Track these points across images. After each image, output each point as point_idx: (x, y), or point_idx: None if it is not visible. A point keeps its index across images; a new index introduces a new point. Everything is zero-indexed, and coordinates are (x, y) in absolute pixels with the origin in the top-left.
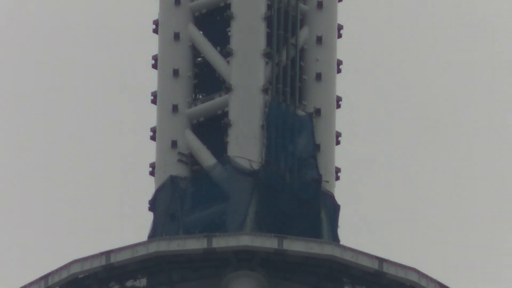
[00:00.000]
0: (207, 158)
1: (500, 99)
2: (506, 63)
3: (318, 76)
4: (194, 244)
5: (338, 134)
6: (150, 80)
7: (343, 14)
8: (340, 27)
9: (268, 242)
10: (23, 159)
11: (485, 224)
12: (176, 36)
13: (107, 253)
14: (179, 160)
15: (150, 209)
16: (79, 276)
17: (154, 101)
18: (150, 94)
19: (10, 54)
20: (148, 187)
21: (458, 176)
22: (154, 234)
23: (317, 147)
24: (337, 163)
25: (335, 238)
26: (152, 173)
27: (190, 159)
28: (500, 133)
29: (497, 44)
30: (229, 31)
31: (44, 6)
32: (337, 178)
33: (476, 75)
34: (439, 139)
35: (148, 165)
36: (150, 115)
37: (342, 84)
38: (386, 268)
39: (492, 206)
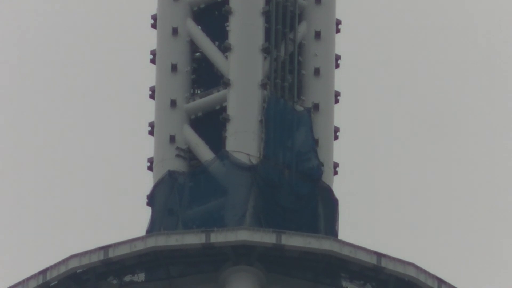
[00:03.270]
0: (205, 153)
1: (503, 97)
2: (507, 62)
3: (317, 71)
4: (192, 239)
5: (337, 129)
6: (148, 75)
7: (342, 9)
8: (338, 22)
9: (266, 237)
10: (21, 154)
11: (484, 220)
12: (174, 31)
13: (105, 248)
14: (177, 155)
15: (148, 204)
16: (77, 271)
17: (152, 96)
18: (148, 89)
19: (8, 50)
20: (146, 182)
21: (457, 172)
22: (152, 229)
23: (315, 142)
24: (336, 158)
25: (333, 233)
26: (150, 168)
27: (188, 154)
28: (500, 131)
29: (499, 42)
30: (228, 26)
31: (42, 2)
32: (335, 173)
33: (476, 74)
34: (437, 135)
35: (146, 160)
36: (148, 110)
37: (341, 79)
38: (384, 263)
39: (490, 202)
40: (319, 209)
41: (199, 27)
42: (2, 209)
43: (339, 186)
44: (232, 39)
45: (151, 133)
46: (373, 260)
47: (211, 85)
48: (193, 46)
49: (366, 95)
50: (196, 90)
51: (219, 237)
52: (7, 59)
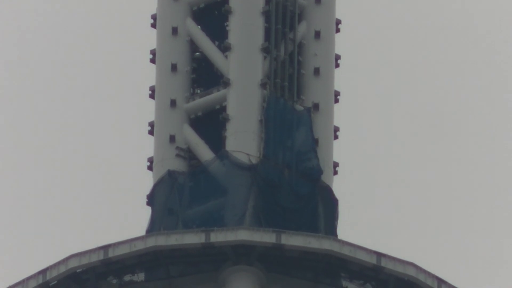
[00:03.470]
0: (205, 152)
1: (503, 97)
2: (507, 62)
3: (316, 71)
4: (192, 238)
5: (336, 129)
6: (148, 74)
7: (342, 8)
8: (338, 22)
9: (266, 237)
10: (21, 154)
11: (484, 220)
12: (174, 31)
13: (105, 248)
14: (177, 155)
15: (148, 203)
16: (77, 271)
17: (152, 96)
18: (148, 89)
19: (8, 50)
20: (146, 181)
21: (457, 172)
22: (152, 228)
23: (315, 142)
24: (335, 158)
25: (333, 233)
26: (150, 168)
27: (188, 154)
28: (500, 131)
29: (499, 42)
30: (227, 25)
31: (42, 2)
32: (335, 172)
33: (476, 74)
34: (437, 135)
35: (146, 160)
36: (148, 110)
37: (341, 79)
38: (384, 263)
39: (490, 202)
40: (319, 209)
41: (199, 26)
42: (2, 209)
43: (339, 186)
44: (232, 38)
45: (151, 132)
46: (373, 260)
47: (211, 85)
48: (193, 46)
49: (366, 95)
50: (196, 89)
51: (219, 237)
52: (7, 59)
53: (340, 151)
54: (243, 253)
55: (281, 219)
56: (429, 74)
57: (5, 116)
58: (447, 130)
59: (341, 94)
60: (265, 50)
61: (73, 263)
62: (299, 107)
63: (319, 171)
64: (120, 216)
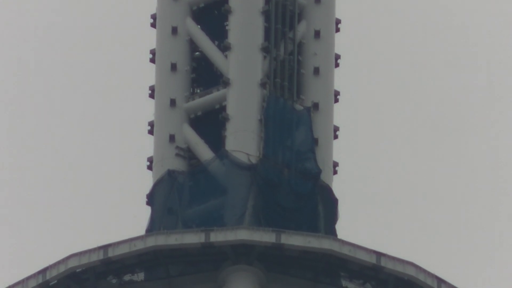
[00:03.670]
0: (205, 152)
1: (503, 97)
2: (507, 62)
3: (316, 71)
4: (192, 238)
5: (336, 128)
6: (148, 74)
7: (341, 8)
8: (338, 21)
9: (266, 236)
10: (21, 154)
11: (483, 220)
12: (174, 31)
13: (105, 247)
14: (177, 154)
15: (148, 203)
16: (77, 270)
17: (152, 95)
18: (148, 88)
19: (8, 50)
20: (146, 181)
21: (457, 171)
22: (152, 228)
23: (315, 141)
24: (335, 157)
25: (332, 232)
26: (150, 167)
27: (188, 153)
28: (500, 131)
29: (499, 42)
30: (227, 25)
31: (42, 2)
32: (335, 172)
33: (476, 74)
34: (437, 134)
35: (146, 159)
36: (148, 109)
37: (340, 78)
38: (384, 263)
39: (490, 202)
40: (319, 209)
41: (199, 26)
42: (2, 209)
43: (339, 185)
44: (232, 38)
45: (150, 132)
46: (372, 259)
47: (211, 84)
48: (193, 45)
49: (366, 94)
50: (195, 89)
51: (218, 237)
52: (7, 59)
53: (340, 151)
54: (242, 253)
55: (281, 218)
56: (429, 74)
57: (5, 116)
58: (447, 129)
59: (341, 93)
60: (265, 50)
61: (73, 263)
62: (298, 107)
63: (318, 171)
64: (120, 215)
